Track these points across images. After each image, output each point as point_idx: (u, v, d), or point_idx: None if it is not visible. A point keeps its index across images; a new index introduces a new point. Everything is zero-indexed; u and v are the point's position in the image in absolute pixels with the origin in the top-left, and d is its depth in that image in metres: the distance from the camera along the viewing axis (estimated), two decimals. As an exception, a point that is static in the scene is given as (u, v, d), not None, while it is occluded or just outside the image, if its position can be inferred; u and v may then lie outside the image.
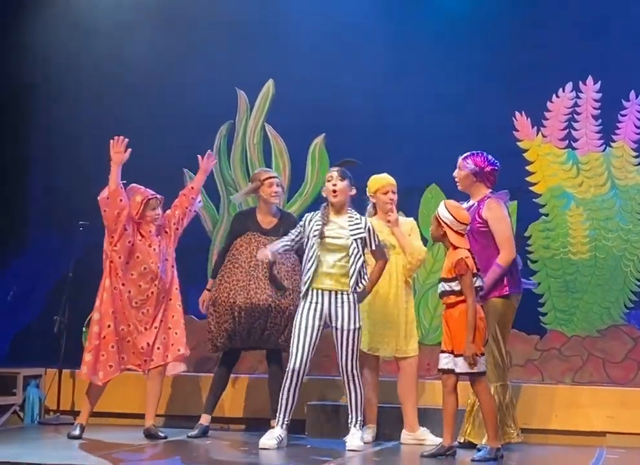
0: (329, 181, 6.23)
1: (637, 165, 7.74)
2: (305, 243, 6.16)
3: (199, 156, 6.81)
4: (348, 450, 5.99)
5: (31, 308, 8.19)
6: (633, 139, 7.73)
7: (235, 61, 8.08)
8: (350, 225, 6.13)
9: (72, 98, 8.39)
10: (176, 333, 6.51)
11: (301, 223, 6.26)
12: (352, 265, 6.07)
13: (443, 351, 5.87)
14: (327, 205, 6.23)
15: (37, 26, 8.46)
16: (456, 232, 5.88)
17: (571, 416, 6.86)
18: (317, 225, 6.14)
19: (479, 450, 5.91)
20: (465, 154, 6.41)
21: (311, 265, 6.08)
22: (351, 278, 6.07)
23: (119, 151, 6.40)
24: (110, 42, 8.36)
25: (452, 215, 5.88)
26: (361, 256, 6.10)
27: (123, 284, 6.39)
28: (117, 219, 6.35)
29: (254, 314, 6.54)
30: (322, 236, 6.09)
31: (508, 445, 6.23)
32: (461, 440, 6.23)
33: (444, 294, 5.86)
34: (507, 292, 6.21)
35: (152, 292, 6.42)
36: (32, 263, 8.25)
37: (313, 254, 6.09)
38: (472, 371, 5.77)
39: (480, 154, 6.39)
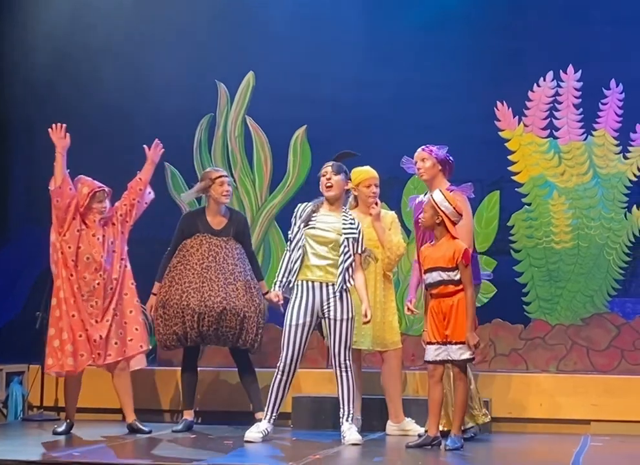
0: (324, 175, 6.17)
1: (618, 154, 7.75)
2: (298, 228, 6.10)
3: (145, 146, 6.66)
4: (349, 445, 5.94)
5: (13, 304, 8.15)
6: (615, 127, 7.75)
7: (215, 54, 8.06)
8: (344, 223, 6.10)
9: (53, 94, 8.34)
10: (136, 329, 6.44)
11: (293, 218, 6.15)
12: (341, 263, 6.03)
13: (430, 343, 5.85)
14: (322, 200, 6.17)
15: (16, 25, 8.41)
16: (452, 222, 5.88)
17: (555, 405, 6.88)
18: (307, 215, 6.08)
19: (446, 438, 5.88)
20: (422, 147, 6.40)
21: (299, 256, 6.04)
22: (339, 275, 6.02)
23: (61, 137, 6.37)
24: (88, 37, 8.32)
25: (451, 205, 5.87)
26: (351, 255, 6.06)
27: (71, 275, 6.34)
28: (67, 209, 6.33)
29: (208, 317, 6.46)
30: (312, 226, 6.05)
31: (482, 427, 6.25)
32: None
33: (441, 283, 5.84)
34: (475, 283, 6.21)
35: (98, 283, 6.34)
36: (13, 259, 8.21)
37: (301, 244, 6.04)
38: (466, 358, 5.77)
39: (437, 146, 6.38)
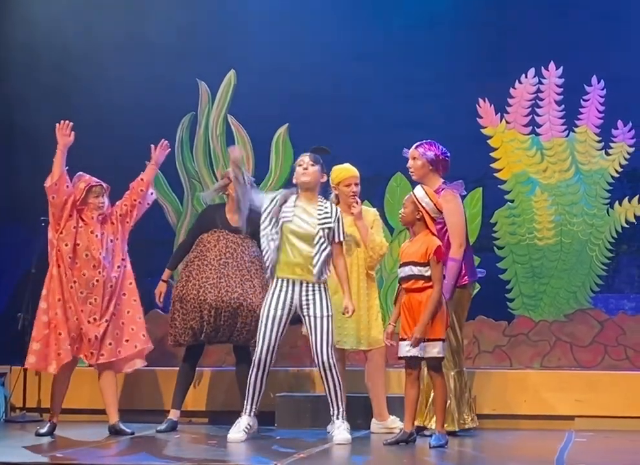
0: (300, 165, 6.09)
1: (600, 150, 7.78)
2: (270, 219, 6.03)
3: (152, 146, 6.67)
4: (336, 444, 5.91)
5: (-6, 305, 8.11)
6: (596, 123, 7.77)
7: (196, 52, 8.04)
8: (319, 214, 6.04)
9: (32, 92, 8.30)
10: (132, 329, 6.41)
11: (274, 196, 6.07)
12: (316, 253, 5.99)
13: (403, 339, 5.84)
14: (297, 193, 6.11)
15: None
16: (432, 218, 5.87)
17: (539, 401, 6.89)
18: (286, 208, 6.01)
19: (430, 436, 5.89)
20: (417, 144, 6.38)
21: (276, 251, 5.99)
22: (315, 266, 5.98)
23: (65, 134, 6.35)
24: (70, 36, 8.29)
25: (432, 201, 5.86)
26: (327, 246, 6.01)
27: (65, 274, 6.29)
28: (64, 206, 6.30)
29: (225, 313, 6.50)
30: (290, 220, 5.99)
31: (468, 431, 6.24)
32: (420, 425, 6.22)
33: (412, 278, 5.83)
34: (466, 282, 6.22)
35: (97, 281, 6.30)
36: (-5, 260, 8.16)
37: (278, 240, 6.00)
38: (438, 356, 5.76)
39: (433, 143, 6.36)
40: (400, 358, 5.87)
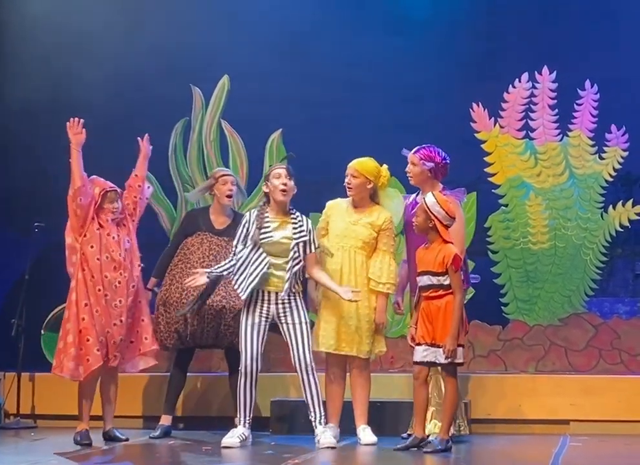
0: (277, 178, 6.09)
1: (594, 154, 7.78)
2: (252, 244, 6.03)
3: (139, 138, 6.58)
4: (322, 448, 5.91)
5: (-13, 312, 8.08)
6: (590, 128, 7.77)
7: (189, 58, 8.04)
8: (294, 228, 6.07)
9: (28, 97, 8.30)
10: (137, 331, 6.39)
11: (244, 225, 6.10)
12: (288, 269, 6.01)
13: (419, 344, 5.84)
14: (266, 204, 6.11)
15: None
16: (444, 226, 5.87)
17: (534, 405, 6.89)
18: (264, 229, 6.02)
19: (429, 442, 5.89)
20: (416, 148, 6.34)
21: (260, 269, 5.99)
22: (286, 281, 6.01)
23: (77, 132, 6.31)
24: (65, 38, 8.29)
25: (443, 209, 5.85)
26: (300, 260, 6.04)
27: (92, 276, 6.28)
28: (89, 208, 6.30)
29: (207, 315, 6.49)
30: (268, 238, 6.01)
31: (459, 436, 6.22)
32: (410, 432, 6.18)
33: (431, 287, 5.83)
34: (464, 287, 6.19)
35: (119, 282, 6.30)
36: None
37: (262, 259, 5.99)
38: (457, 361, 5.77)
39: (432, 148, 6.30)
40: (415, 362, 5.85)
